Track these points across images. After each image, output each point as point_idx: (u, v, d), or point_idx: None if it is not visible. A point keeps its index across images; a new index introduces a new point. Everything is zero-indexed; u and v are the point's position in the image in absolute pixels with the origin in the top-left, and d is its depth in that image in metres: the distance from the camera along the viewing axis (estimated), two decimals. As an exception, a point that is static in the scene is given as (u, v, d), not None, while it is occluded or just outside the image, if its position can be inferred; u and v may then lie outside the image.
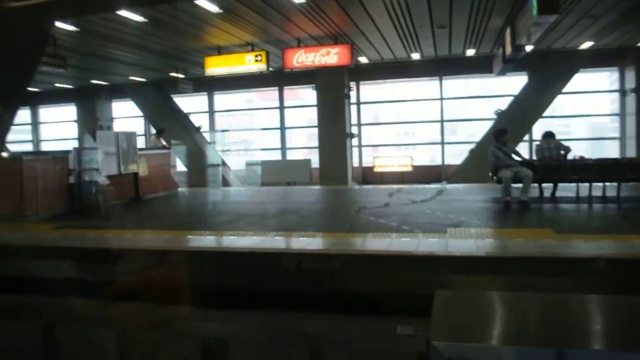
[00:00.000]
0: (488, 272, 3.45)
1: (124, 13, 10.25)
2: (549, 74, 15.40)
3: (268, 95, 19.75)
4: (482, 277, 3.23)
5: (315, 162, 16.74)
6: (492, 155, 8.78)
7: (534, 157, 9.82)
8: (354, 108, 17.89)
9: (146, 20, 10.80)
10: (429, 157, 18.68)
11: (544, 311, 1.09)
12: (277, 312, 1.95)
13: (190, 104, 20.32)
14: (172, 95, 19.51)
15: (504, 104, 16.36)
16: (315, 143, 16.91)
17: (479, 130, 16.78)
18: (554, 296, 1.29)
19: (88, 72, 16.83)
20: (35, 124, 23.07)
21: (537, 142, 10.21)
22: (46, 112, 23.13)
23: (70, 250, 5.24)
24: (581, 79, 16.01)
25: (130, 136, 11.21)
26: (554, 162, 8.90)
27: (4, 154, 9.97)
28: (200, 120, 20.08)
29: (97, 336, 1.72)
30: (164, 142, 13.99)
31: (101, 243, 5.54)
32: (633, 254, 4.68)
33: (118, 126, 21.15)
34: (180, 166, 16.42)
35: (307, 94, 18.12)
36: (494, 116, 16.22)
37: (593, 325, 1.02)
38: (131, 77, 18.23)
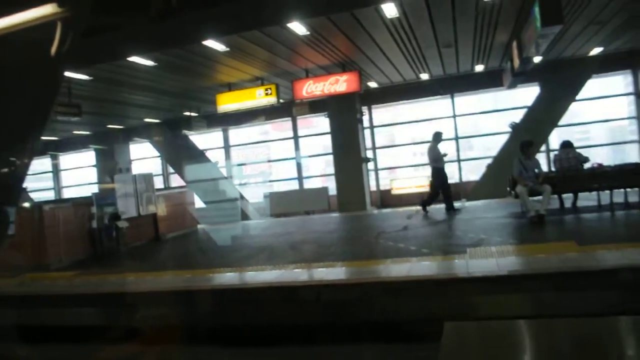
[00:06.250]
0: (510, 291, 3.34)
1: (134, 59, 10.50)
2: (560, 82, 15.22)
3: (282, 126, 19.88)
4: (504, 297, 3.12)
5: (332, 189, 16.68)
6: (516, 167, 8.67)
7: (552, 168, 9.67)
8: (367, 132, 17.88)
9: (156, 64, 11.04)
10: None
11: (566, 339, 1.02)
12: (292, 346, 1.91)
13: (206, 140, 20.58)
14: (187, 134, 19.78)
15: (518, 116, 16.20)
16: (332, 170, 16.88)
17: (496, 145, 16.62)
18: (577, 321, 1.18)
19: (104, 117, 17.21)
20: (56, 171, 23.55)
21: (555, 152, 10.08)
22: (66, 159, 23.60)
23: (94, 297, 5.25)
24: (595, 85, 15.84)
25: (148, 177, 11.37)
26: (572, 172, 8.76)
27: (26, 204, 10.11)
28: (216, 156, 20.31)
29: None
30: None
31: (120, 287, 5.58)
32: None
33: (137, 168, 21.45)
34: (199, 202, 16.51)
35: (320, 122, 18.19)
36: (509, 129, 16.06)
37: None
38: (146, 119, 18.57)
